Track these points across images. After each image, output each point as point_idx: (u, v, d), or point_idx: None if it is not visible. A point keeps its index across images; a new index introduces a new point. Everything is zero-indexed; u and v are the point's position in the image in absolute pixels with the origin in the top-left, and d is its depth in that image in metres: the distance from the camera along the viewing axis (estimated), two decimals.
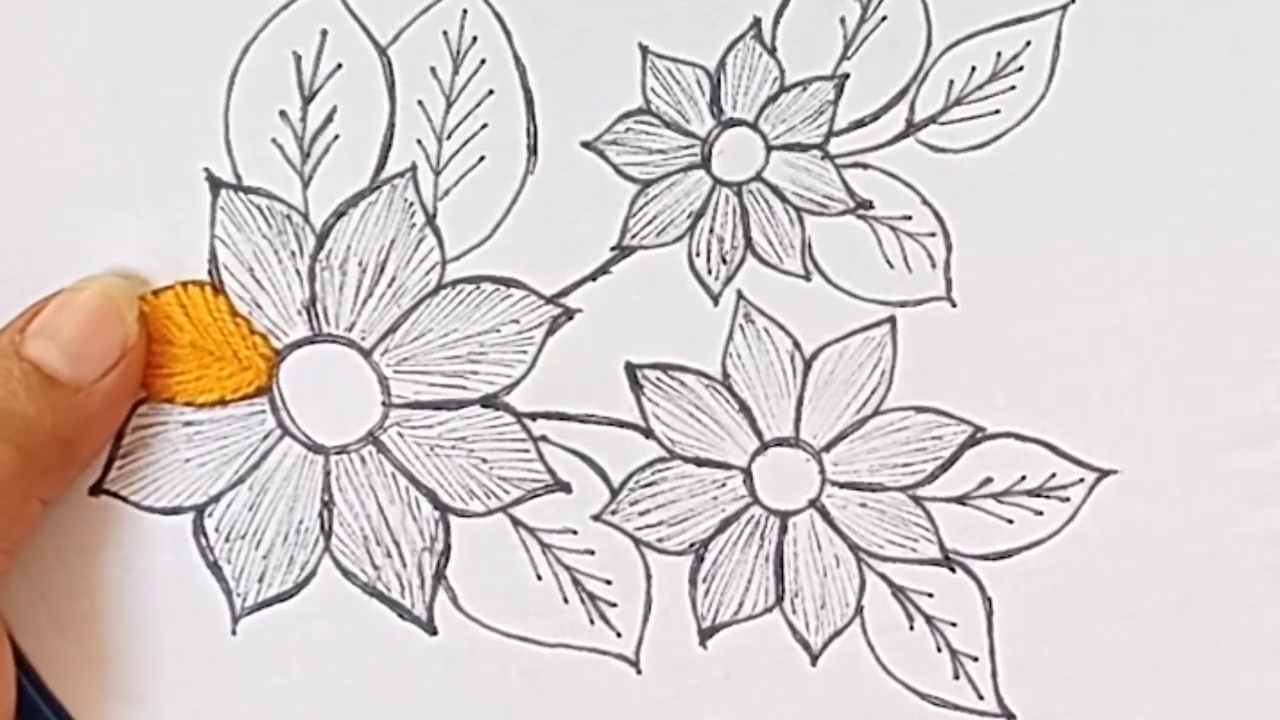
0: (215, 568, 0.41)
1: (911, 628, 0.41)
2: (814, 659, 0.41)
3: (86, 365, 0.38)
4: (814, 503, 0.41)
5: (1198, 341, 0.40)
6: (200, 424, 0.41)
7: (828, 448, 0.41)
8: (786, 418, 0.41)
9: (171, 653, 0.41)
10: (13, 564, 0.39)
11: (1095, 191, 0.40)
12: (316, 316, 0.41)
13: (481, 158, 0.40)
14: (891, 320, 0.40)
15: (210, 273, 0.40)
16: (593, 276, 0.41)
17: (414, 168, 0.40)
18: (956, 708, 0.41)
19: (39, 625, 0.40)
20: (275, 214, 0.40)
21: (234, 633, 0.41)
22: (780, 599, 0.41)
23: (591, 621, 0.41)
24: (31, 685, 0.40)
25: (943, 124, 0.40)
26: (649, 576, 0.41)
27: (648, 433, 0.41)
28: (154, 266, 0.40)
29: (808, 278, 0.40)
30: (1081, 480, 0.40)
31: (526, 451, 0.41)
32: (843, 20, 0.40)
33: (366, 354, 0.41)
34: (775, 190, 0.40)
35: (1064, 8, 0.40)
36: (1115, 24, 0.40)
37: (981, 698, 0.41)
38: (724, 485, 0.41)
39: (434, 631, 0.41)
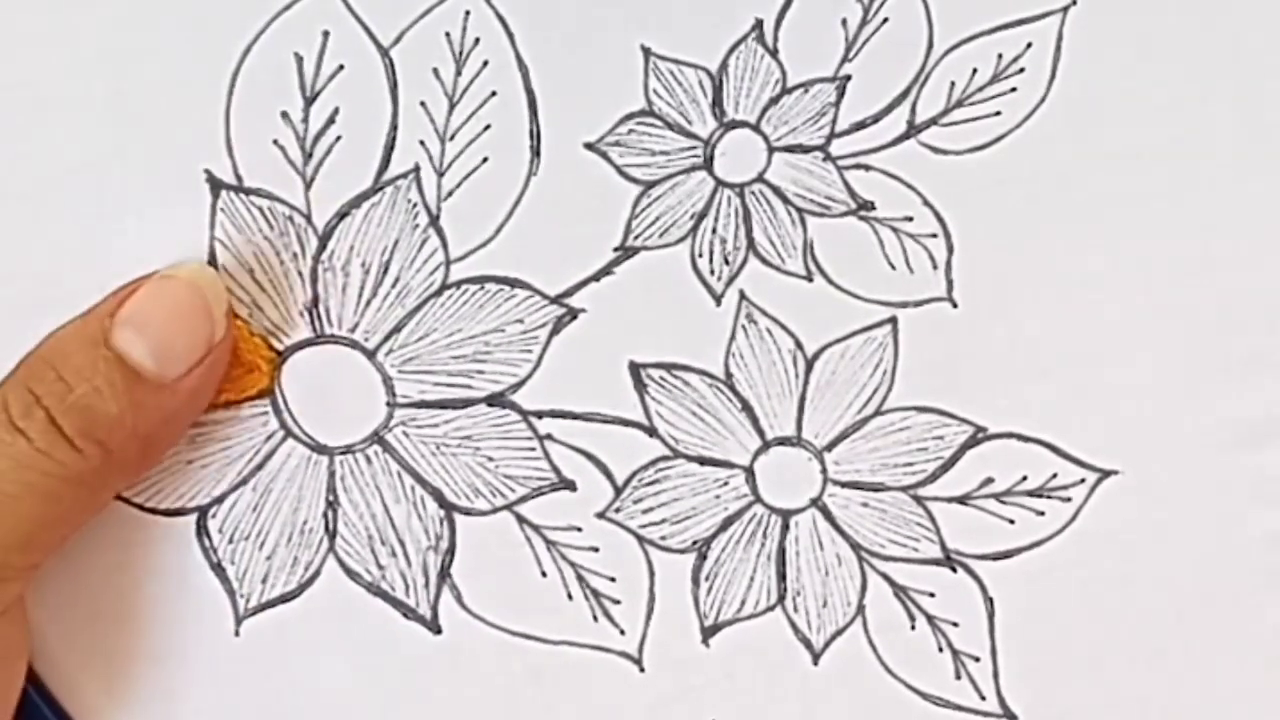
0: (219, 569, 0.41)
1: (913, 627, 0.41)
2: (816, 658, 0.41)
3: (172, 362, 0.37)
4: (816, 502, 0.41)
5: (1199, 342, 0.40)
6: (202, 426, 0.41)
7: (829, 447, 0.41)
8: (789, 417, 0.41)
9: (174, 654, 0.41)
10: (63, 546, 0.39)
11: (1096, 192, 0.40)
12: (319, 317, 0.41)
13: (485, 159, 0.40)
14: (893, 321, 0.41)
15: None
16: (596, 277, 0.41)
17: (417, 169, 0.40)
18: (958, 708, 0.41)
19: (41, 625, 0.40)
20: (276, 215, 0.40)
21: (237, 634, 0.41)
22: (782, 598, 0.41)
23: (595, 619, 0.41)
24: (32, 686, 0.40)
25: (944, 125, 0.40)
26: (652, 574, 0.41)
27: (651, 431, 0.41)
28: (154, 268, 0.40)
29: (810, 278, 0.41)
30: (1083, 481, 0.41)
31: (532, 450, 0.41)
32: (844, 22, 0.40)
33: (370, 354, 0.41)
34: (777, 191, 0.41)
35: (1065, 9, 0.40)
36: (1116, 26, 0.40)
37: (983, 698, 0.41)
38: (726, 484, 0.41)
39: (438, 630, 0.41)
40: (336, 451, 0.41)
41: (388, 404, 0.41)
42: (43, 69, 0.40)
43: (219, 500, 0.41)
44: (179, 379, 0.37)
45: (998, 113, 0.40)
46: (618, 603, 0.41)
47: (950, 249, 0.40)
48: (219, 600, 0.41)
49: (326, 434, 0.41)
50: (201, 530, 0.41)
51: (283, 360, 0.41)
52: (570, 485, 0.41)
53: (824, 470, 0.41)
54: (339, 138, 0.40)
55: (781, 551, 0.41)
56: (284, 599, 0.41)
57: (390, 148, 0.40)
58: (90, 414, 0.37)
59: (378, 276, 0.41)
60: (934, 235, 0.40)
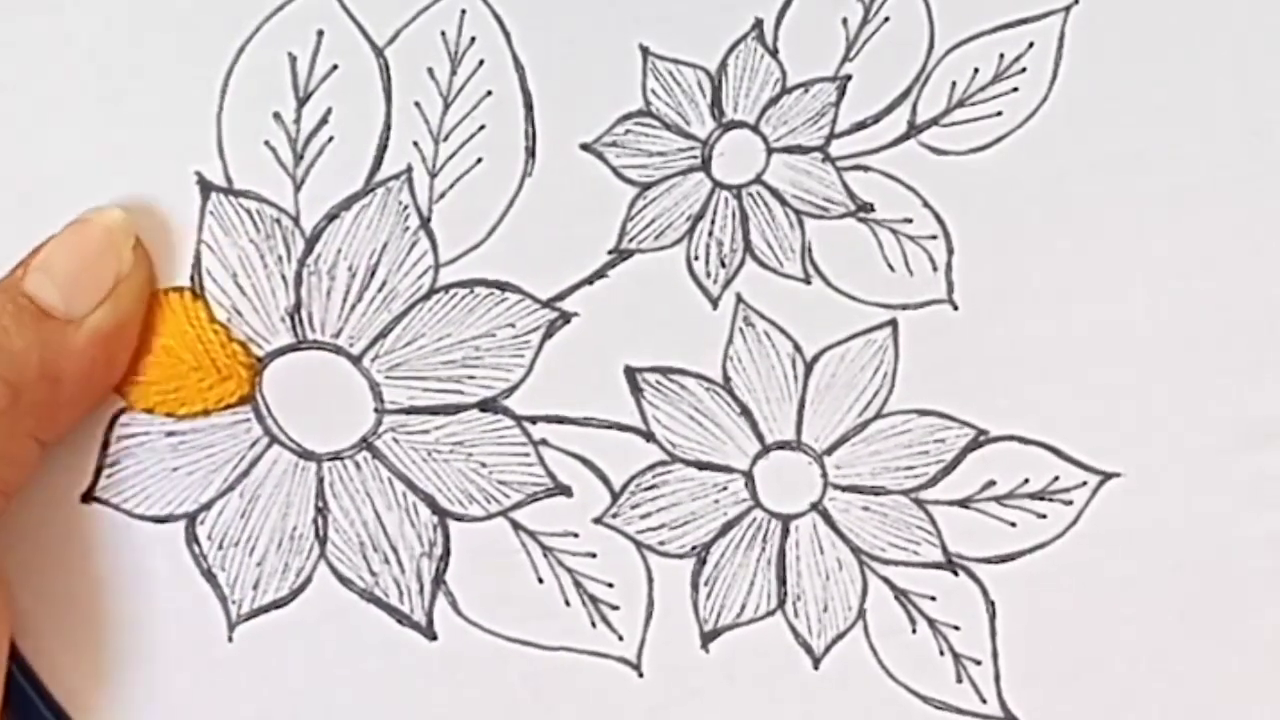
0: (209, 575, 0.40)
1: (914, 631, 0.41)
2: (816, 662, 0.41)
3: (79, 297, 0.38)
4: (816, 506, 0.41)
5: (1200, 344, 0.40)
6: (184, 434, 0.40)
7: (829, 451, 0.40)
8: (788, 421, 0.40)
9: (168, 660, 0.40)
10: (9, 507, 0.38)
11: (1097, 193, 0.40)
12: (300, 323, 0.40)
13: (478, 160, 0.40)
14: (893, 323, 0.40)
15: (193, 278, 0.40)
16: (589, 280, 0.40)
17: (409, 170, 0.40)
18: (959, 711, 0.41)
19: (37, 632, 0.40)
20: (264, 218, 0.40)
21: (230, 640, 0.40)
22: (782, 602, 0.41)
23: (593, 624, 0.40)
24: (33, 689, 0.40)
25: (945, 126, 0.40)
26: (651, 580, 0.40)
27: (648, 436, 0.40)
28: None
29: (808, 281, 0.40)
30: (1084, 483, 0.40)
31: (526, 455, 0.40)
32: (845, 21, 0.40)
33: (355, 360, 0.40)
34: (775, 193, 0.40)
35: (1067, 9, 0.40)
36: (1118, 25, 0.40)
37: (984, 701, 0.41)
38: (725, 488, 0.40)
39: (433, 636, 0.40)
40: (324, 458, 0.40)
41: (376, 410, 0.40)
42: (33, 69, 0.39)
43: (206, 507, 0.40)
44: (86, 315, 0.38)
45: (999, 113, 0.40)
46: (616, 608, 0.40)
47: (950, 251, 0.40)
48: (211, 607, 0.40)
49: (313, 440, 0.40)
50: (191, 537, 0.40)
51: (263, 367, 0.40)
52: (566, 491, 0.40)
53: (824, 474, 0.40)
54: (331, 139, 0.40)
55: (781, 556, 0.41)
56: (276, 605, 0.40)
57: (383, 149, 0.40)
58: None
59: (364, 280, 0.40)
60: (934, 237, 0.40)
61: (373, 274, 0.40)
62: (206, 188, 0.40)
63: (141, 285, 0.39)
